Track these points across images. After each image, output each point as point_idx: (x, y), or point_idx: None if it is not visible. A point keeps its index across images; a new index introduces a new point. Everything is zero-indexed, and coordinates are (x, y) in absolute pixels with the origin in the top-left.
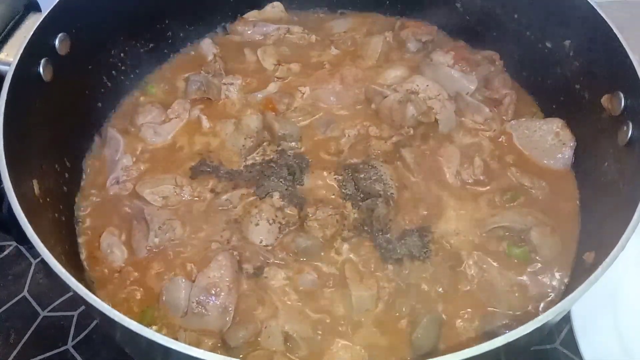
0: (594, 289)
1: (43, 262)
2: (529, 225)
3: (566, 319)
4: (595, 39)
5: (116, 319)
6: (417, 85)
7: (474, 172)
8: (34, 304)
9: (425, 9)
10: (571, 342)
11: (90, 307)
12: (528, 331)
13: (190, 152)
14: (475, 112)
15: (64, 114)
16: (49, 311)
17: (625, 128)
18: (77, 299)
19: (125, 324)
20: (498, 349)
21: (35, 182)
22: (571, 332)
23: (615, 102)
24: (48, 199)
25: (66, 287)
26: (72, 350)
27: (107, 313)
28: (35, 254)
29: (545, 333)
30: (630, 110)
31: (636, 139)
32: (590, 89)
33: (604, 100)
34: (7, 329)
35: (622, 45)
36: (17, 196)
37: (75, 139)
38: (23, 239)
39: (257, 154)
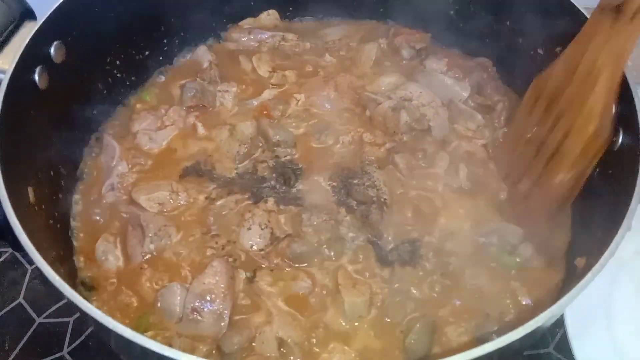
0: (587, 294)
1: (39, 269)
2: (520, 231)
3: (560, 323)
4: None
5: (110, 326)
6: (411, 92)
7: (466, 179)
8: (29, 310)
9: (419, 17)
10: (565, 347)
11: (84, 314)
12: (519, 336)
13: (185, 158)
14: (468, 119)
15: (59, 122)
16: (45, 317)
17: (616, 134)
18: (72, 306)
19: (119, 331)
20: (489, 354)
21: (30, 189)
22: (565, 336)
23: None
24: (43, 206)
25: (61, 294)
26: (67, 357)
27: (101, 320)
28: (31, 260)
29: (538, 338)
30: (621, 117)
31: (626, 146)
32: None
33: None
34: (3, 335)
35: None
36: (11, 203)
37: (70, 146)
38: (18, 245)
39: (252, 160)
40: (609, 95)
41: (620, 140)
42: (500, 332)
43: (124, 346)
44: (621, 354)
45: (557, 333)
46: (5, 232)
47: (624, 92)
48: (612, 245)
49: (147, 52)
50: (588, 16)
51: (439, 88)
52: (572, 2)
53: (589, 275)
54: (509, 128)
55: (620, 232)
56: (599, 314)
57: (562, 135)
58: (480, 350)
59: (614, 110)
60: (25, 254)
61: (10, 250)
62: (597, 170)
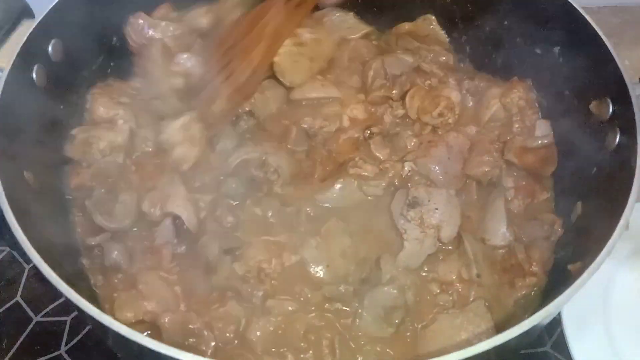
0: (584, 292)
1: (37, 267)
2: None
3: (557, 322)
4: (584, 45)
5: (106, 323)
6: None
7: None
8: (27, 309)
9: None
10: (562, 345)
11: (81, 312)
12: (514, 335)
13: None
14: None
15: (57, 120)
16: (42, 316)
17: (613, 134)
18: (70, 305)
19: (115, 328)
20: (486, 352)
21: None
22: (562, 335)
23: (603, 108)
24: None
25: (58, 293)
26: (64, 356)
27: (98, 318)
28: (29, 259)
29: (535, 336)
30: (618, 116)
31: (623, 145)
32: (579, 95)
33: (593, 106)
34: (0, 334)
35: (609, 51)
36: (8, 202)
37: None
38: (16, 243)
39: None
40: (264, 59)
41: (617, 140)
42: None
43: (121, 343)
44: (618, 352)
45: (554, 332)
46: (3, 230)
47: (621, 91)
48: (609, 244)
49: None
50: (586, 15)
51: None
52: (569, 2)
53: (585, 274)
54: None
55: (617, 230)
56: (596, 312)
57: (230, 72)
58: (476, 348)
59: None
60: (22, 253)
61: (7, 248)
62: (596, 169)
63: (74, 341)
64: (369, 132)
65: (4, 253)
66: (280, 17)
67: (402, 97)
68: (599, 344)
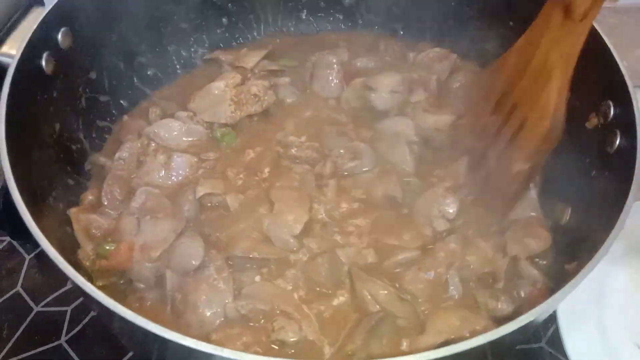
0: (579, 290)
1: (37, 257)
2: None
3: (552, 318)
4: (586, 48)
5: (111, 307)
6: None
7: None
8: (27, 299)
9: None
10: (557, 341)
11: (87, 297)
12: (510, 330)
13: None
14: None
15: (66, 108)
16: (43, 306)
17: (613, 136)
18: (72, 292)
19: (121, 313)
20: (481, 346)
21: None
22: (557, 331)
23: (605, 111)
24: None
25: (61, 280)
26: (65, 345)
27: (104, 302)
28: (29, 249)
29: (530, 332)
30: (619, 118)
31: (624, 148)
32: (580, 97)
33: (594, 108)
34: (1, 324)
35: (611, 53)
36: (18, 189)
37: (78, 134)
38: (17, 234)
39: None
40: (561, 95)
41: (617, 142)
42: None
43: (126, 329)
44: (611, 348)
45: (549, 328)
46: (4, 220)
47: (622, 94)
48: (606, 244)
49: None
50: None
51: None
52: None
53: (581, 273)
54: (466, 114)
55: (614, 231)
56: (590, 309)
57: (518, 125)
58: (471, 342)
59: (612, 112)
60: (23, 243)
61: (7, 239)
62: (595, 171)
63: (75, 331)
64: None
65: (4, 243)
66: (562, 38)
67: None
68: (592, 340)
